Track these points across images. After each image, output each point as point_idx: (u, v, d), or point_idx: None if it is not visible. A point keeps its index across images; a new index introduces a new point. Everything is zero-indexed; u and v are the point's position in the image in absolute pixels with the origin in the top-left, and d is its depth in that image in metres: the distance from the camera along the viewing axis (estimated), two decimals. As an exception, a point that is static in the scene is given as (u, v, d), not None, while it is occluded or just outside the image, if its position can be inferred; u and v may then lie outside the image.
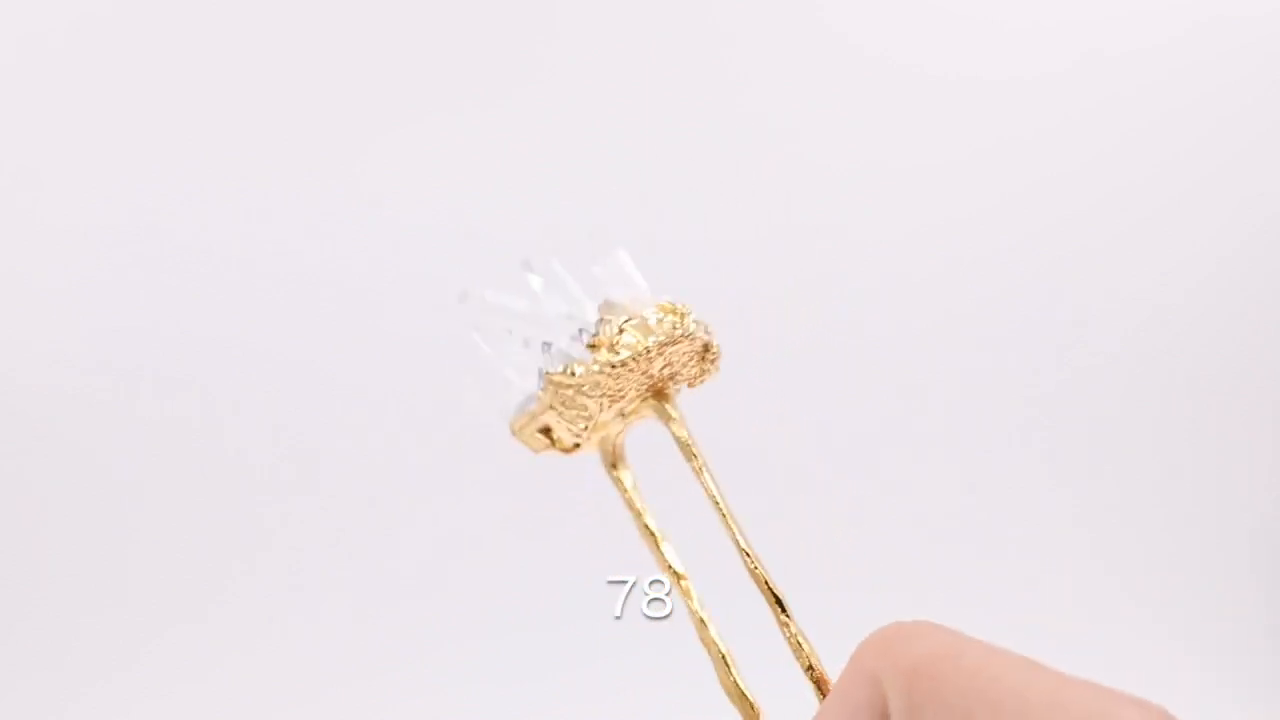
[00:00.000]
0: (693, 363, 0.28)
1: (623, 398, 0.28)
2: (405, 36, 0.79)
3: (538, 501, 0.77)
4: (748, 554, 0.27)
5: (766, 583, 0.27)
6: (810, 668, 0.26)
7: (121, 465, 0.76)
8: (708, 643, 0.27)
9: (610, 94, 0.79)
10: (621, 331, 0.27)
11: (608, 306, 0.28)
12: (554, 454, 0.29)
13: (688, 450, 0.28)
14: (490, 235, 0.75)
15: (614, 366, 0.27)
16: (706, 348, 0.28)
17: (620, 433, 0.29)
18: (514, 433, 0.29)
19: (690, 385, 0.29)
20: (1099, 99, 0.81)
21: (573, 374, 0.27)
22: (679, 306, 0.28)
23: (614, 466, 0.29)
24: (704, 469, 0.28)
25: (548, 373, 0.27)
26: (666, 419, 0.28)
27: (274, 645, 0.74)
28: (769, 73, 0.80)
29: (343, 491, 0.77)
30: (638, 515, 0.28)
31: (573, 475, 0.76)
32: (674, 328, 0.28)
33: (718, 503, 0.27)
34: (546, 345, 0.28)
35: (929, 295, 0.80)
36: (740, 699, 0.26)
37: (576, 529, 0.76)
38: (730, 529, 0.27)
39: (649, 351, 0.27)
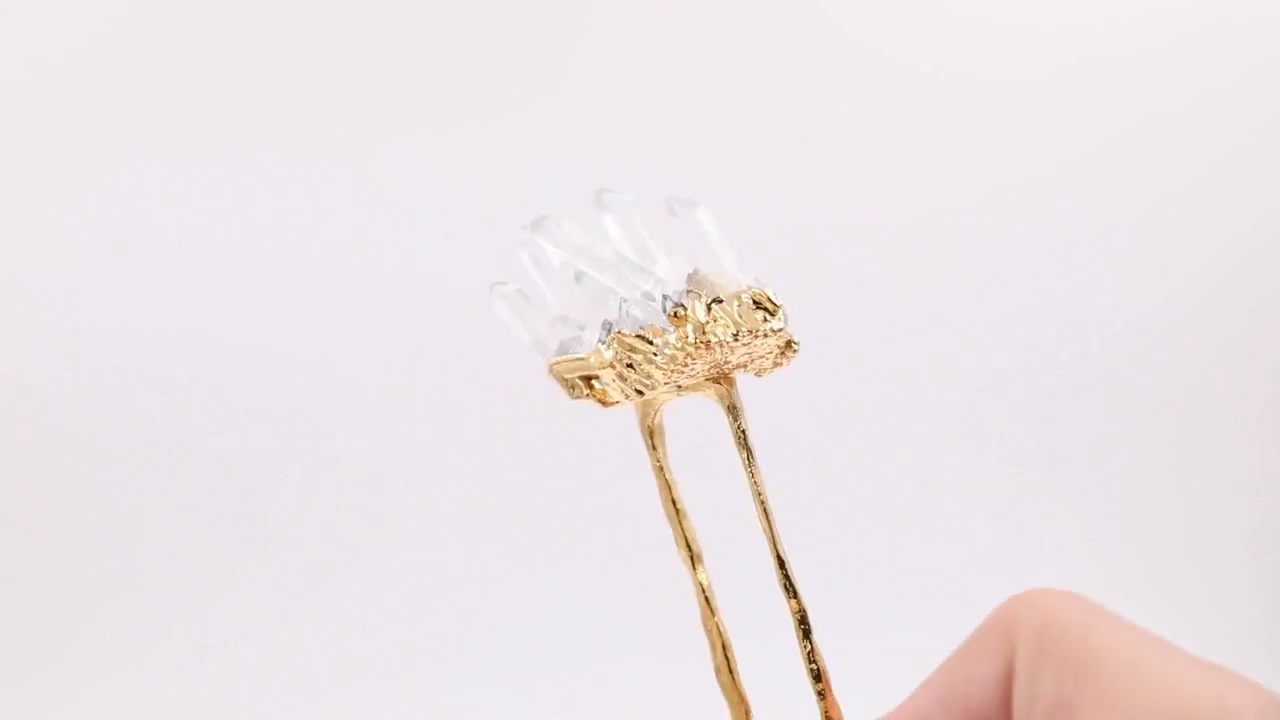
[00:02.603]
0: (770, 355, 0.27)
1: (690, 375, 0.26)
2: (421, 37, 0.79)
3: (539, 502, 0.77)
4: (783, 563, 0.26)
5: (795, 597, 0.26)
6: (822, 694, 0.25)
7: (122, 465, 0.76)
8: (710, 630, 0.26)
9: (613, 94, 0.79)
10: (711, 312, 0.25)
11: (696, 279, 0.26)
12: (589, 404, 0.27)
13: (742, 443, 0.27)
14: (492, 235, 0.75)
15: (696, 347, 0.26)
16: (789, 344, 0.27)
17: (667, 401, 0.27)
18: (552, 373, 0.27)
19: (759, 375, 0.28)
20: (1101, 99, 0.81)
21: (649, 342, 0.26)
22: (773, 299, 0.26)
23: (651, 433, 0.27)
24: (754, 464, 0.27)
25: (619, 332, 0.26)
26: (728, 406, 0.27)
27: (274, 645, 0.74)
28: (772, 72, 0.80)
29: (343, 491, 0.77)
30: (665, 488, 0.27)
31: (575, 476, 0.76)
32: (764, 320, 0.26)
33: (763, 504, 0.27)
34: (624, 302, 0.26)
35: (930, 295, 0.80)
36: (732, 691, 0.26)
37: (579, 530, 0.76)
38: (770, 534, 0.26)
39: (736, 340, 0.26)
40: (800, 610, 0.26)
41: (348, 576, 0.76)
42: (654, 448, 0.27)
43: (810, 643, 0.26)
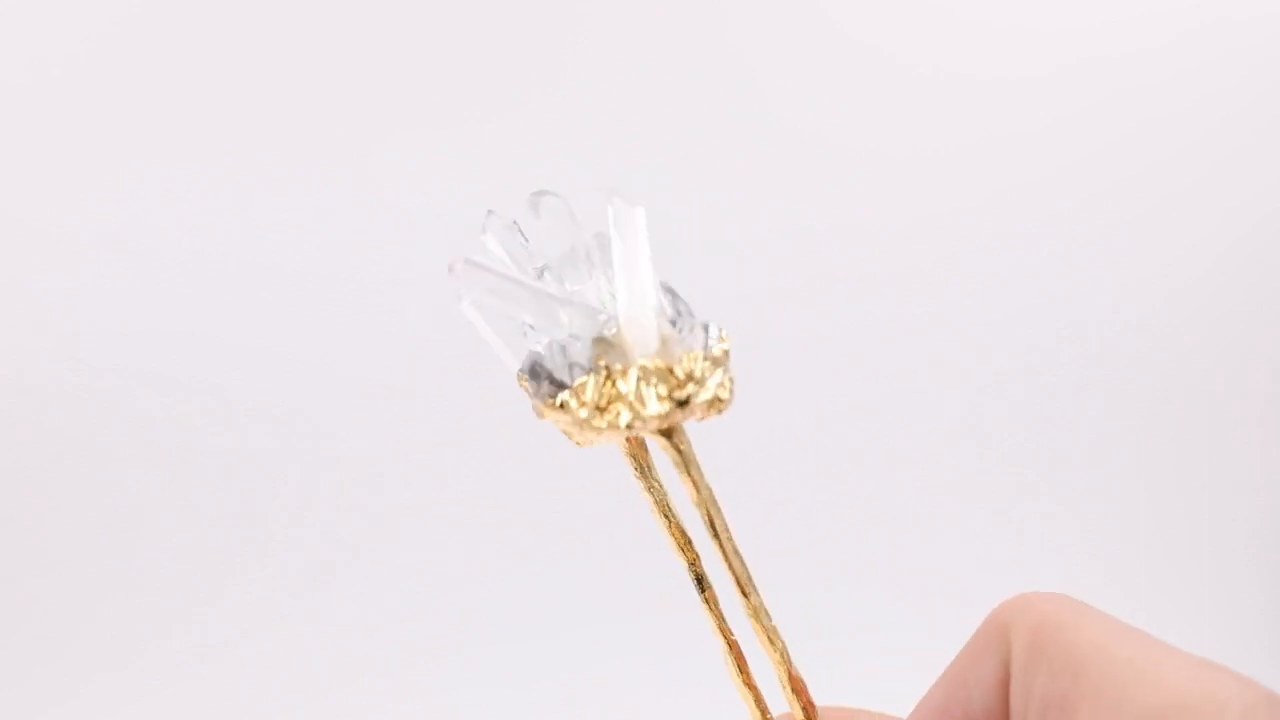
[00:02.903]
0: (699, 409, 0.23)
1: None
2: (420, 37, 0.78)
3: (539, 502, 0.77)
4: (758, 614, 0.24)
5: (778, 650, 0.24)
6: None
7: (122, 465, 0.76)
8: (725, 650, 0.25)
9: (613, 94, 0.79)
10: (611, 386, 0.22)
11: (604, 344, 0.23)
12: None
13: (696, 500, 0.23)
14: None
15: (595, 428, 0.22)
16: (715, 401, 0.23)
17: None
18: (520, 386, 0.25)
19: (696, 421, 0.24)
20: (1101, 99, 0.81)
21: (562, 406, 0.23)
22: (697, 364, 0.22)
23: (635, 458, 0.25)
24: (718, 523, 0.23)
25: (535, 402, 0.23)
26: (674, 460, 0.23)
27: (274, 645, 0.74)
28: (772, 72, 0.80)
29: (343, 491, 0.77)
30: (663, 515, 0.24)
31: (575, 476, 0.76)
32: (666, 399, 0.22)
33: (731, 565, 0.24)
34: (536, 373, 0.23)
35: (930, 295, 0.80)
36: (748, 695, 0.25)
37: (579, 530, 0.76)
38: (739, 585, 0.24)
39: (630, 427, 0.22)
40: (784, 659, 0.24)
41: (348, 576, 0.76)
42: (642, 473, 0.24)
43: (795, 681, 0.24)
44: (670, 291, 0.24)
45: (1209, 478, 0.80)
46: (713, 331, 0.23)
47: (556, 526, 0.76)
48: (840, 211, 0.80)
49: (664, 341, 0.23)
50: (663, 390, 0.22)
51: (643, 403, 0.22)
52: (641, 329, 0.23)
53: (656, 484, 0.25)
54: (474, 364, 0.75)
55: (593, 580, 0.74)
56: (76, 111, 0.76)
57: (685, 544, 0.25)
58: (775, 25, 0.80)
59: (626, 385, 0.22)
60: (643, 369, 0.22)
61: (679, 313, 0.23)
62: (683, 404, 0.22)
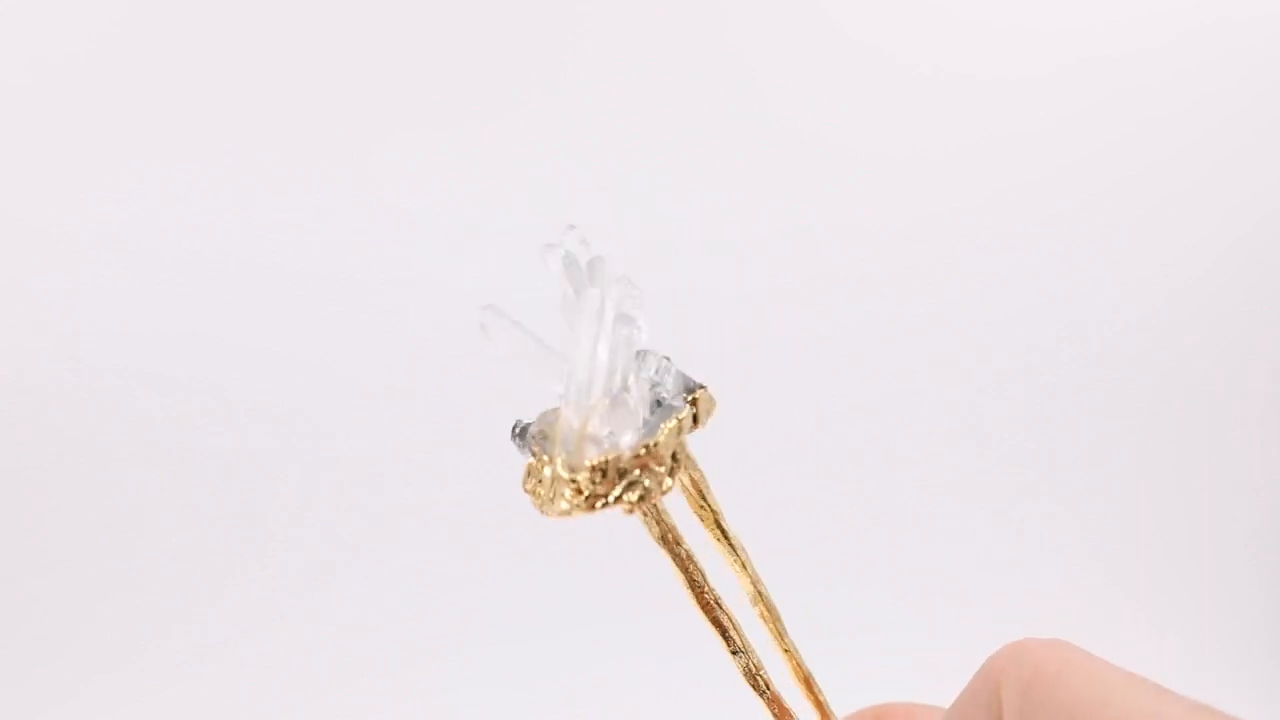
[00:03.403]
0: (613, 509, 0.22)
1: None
2: (421, 37, 0.78)
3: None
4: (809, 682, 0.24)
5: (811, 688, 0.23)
6: None
7: (122, 465, 0.76)
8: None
9: (613, 94, 0.79)
10: (537, 478, 0.21)
11: (547, 421, 0.22)
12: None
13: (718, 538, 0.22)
14: (493, 235, 0.75)
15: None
16: (626, 504, 0.21)
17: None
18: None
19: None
20: (1101, 99, 0.81)
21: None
22: (611, 468, 0.21)
23: (656, 520, 0.23)
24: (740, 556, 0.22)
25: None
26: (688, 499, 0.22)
27: (274, 645, 0.74)
28: (772, 72, 0.80)
29: (343, 491, 0.77)
30: (693, 586, 0.23)
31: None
32: (574, 504, 0.21)
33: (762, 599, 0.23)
34: (514, 432, 0.22)
35: (930, 295, 0.80)
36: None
37: (579, 530, 0.76)
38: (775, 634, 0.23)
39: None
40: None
41: (348, 576, 0.76)
42: (664, 540, 0.23)
43: None
44: (658, 360, 0.22)
45: (1209, 478, 0.80)
46: (666, 422, 0.21)
47: (556, 526, 0.76)
48: (840, 211, 0.80)
49: (581, 441, 0.21)
50: (567, 493, 0.21)
51: (553, 499, 0.21)
52: (571, 420, 0.21)
53: (682, 550, 0.23)
54: (474, 364, 0.75)
55: (593, 580, 0.74)
56: (76, 111, 0.76)
57: (730, 615, 0.23)
58: (775, 25, 0.80)
59: (549, 475, 0.21)
60: (555, 467, 0.21)
61: (643, 389, 0.22)
62: (592, 508, 0.21)
